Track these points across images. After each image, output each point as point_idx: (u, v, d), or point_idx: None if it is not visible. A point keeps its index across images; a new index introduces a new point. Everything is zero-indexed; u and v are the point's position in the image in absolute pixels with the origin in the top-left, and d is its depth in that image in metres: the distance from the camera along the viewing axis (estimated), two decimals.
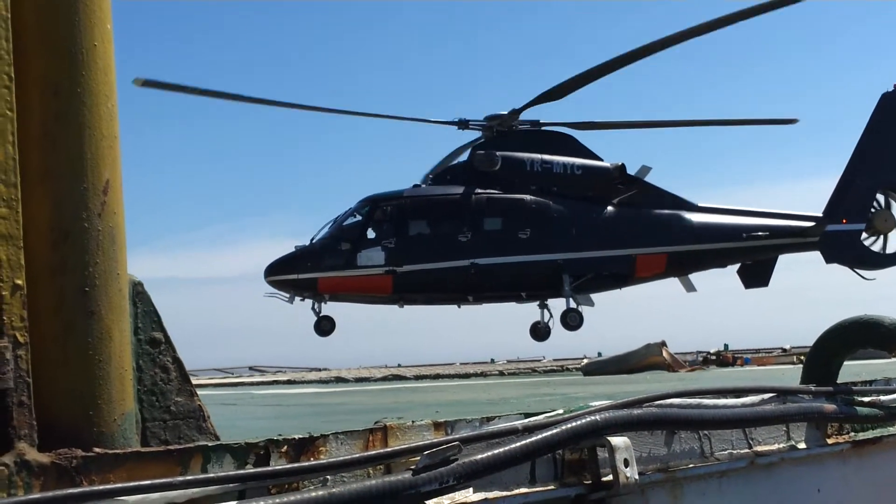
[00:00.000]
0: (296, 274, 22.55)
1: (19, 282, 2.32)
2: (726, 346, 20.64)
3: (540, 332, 24.42)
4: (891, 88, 24.26)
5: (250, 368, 22.05)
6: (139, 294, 2.67)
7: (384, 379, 14.26)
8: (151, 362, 2.67)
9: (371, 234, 23.18)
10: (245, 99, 22.89)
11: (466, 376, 15.00)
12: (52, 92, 2.49)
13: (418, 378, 14.40)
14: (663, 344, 14.54)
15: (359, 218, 23.27)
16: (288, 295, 23.01)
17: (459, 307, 24.27)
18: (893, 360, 7.94)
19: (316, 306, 23.10)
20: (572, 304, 23.47)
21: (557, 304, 23.91)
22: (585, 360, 15.96)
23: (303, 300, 22.99)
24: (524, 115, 23.90)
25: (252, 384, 14.05)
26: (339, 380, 14.24)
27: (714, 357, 17.01)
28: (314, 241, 23.19)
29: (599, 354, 20.03)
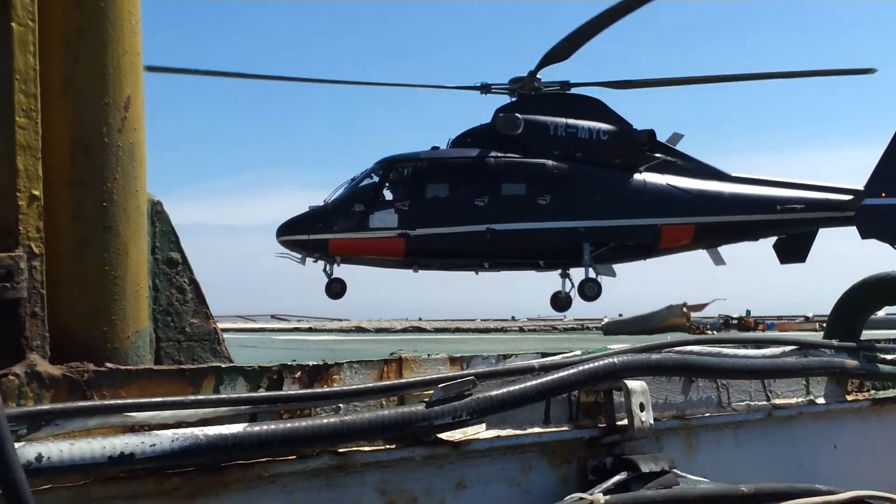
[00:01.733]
0: (307, 234, 22.32)
1: (36, 192, 2.30)
2: (748, 311, 20.46)
3: (561, 301, 24.10)
4: None
5: (272, 317, 22.14)
6: (158, 213, 2.65)
7: (404, 331, 14.29)
8: (168, 282, 2.66)
9: (385, 195, 22.85)
10: (254, 76, 22.70)
11: (486, 331, 15.01)
12: (75, 4, 2.46)
13: (438, 331, 14.43)
14: (685, 305, 14.47)
15: (374, 179, 22.98)
16: (299, 255, 22.81)
17: (477, 273, 23.89)
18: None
19: (328, 268, 22.94)
20: (591, 274, 23.01)
21: (579, 274, 23.56)
22: (606, 320, 15.92)
23: (315, 261, 22.82)
24: (553, 77, 23.41)
25: (273, 330, 14.13)
26: (360, 329, 14.29)
27: (736, 322, 16.92)
28: (328, 201, 22.94)
29: (620, 315, 19.97)
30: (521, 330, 15.76)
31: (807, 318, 19.46)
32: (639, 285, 25.51)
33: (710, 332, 14.72)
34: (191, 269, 2.69)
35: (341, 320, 19.19)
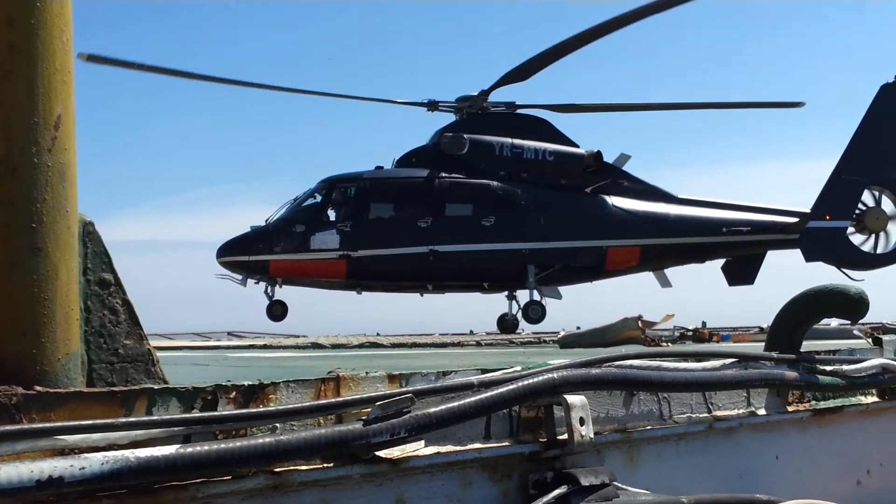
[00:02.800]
0: (247, 255, 21.81)
1: None
2: (704, 323, 20.59)
3: (507, 323, 23.83)
4: (891, 80, 23.11)
5: (228, 334, 21.91)
6: (90, 234, 2.63)
7: (360, 346, 14.20)
8: (100, 303, 2.63)
9: (327, 216, 22.32)
10: (196, 77, 22.39)
11: (443, 346, 14.95)
12: (6, 22, 2.44)
13: (395, 346, 14.36)
14: (640, 318, 14.54)
15: (317, 199, 22.51)
16: (240, 277, 22.47)
17: (422, 295, 23.66)
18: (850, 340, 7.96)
19: (269, 290, 22.50)
20: (535, 297, 22.63)
21: (525, 295, 23.36)
22: (562, 333, 15.95)
23: (256, 282, 22.50)
24: (499, 97, 23.11)
25: (227, 347, 13.99)
26: (316, 345, 14.18)
27: (691, 333, 17.00)
28: (270, 221, 22.59)
29: (578, 328, 20.01)
30: (479, 344, 15.73)
31: (761, 329, 19.60)
32: (598, 297, 25.50)
33: (665, 344, 14.80)
34: (124, 290, 2.67)
35: (298, 336, 19.06)
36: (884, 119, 22.93)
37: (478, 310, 24.78)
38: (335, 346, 14.09)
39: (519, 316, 23.67)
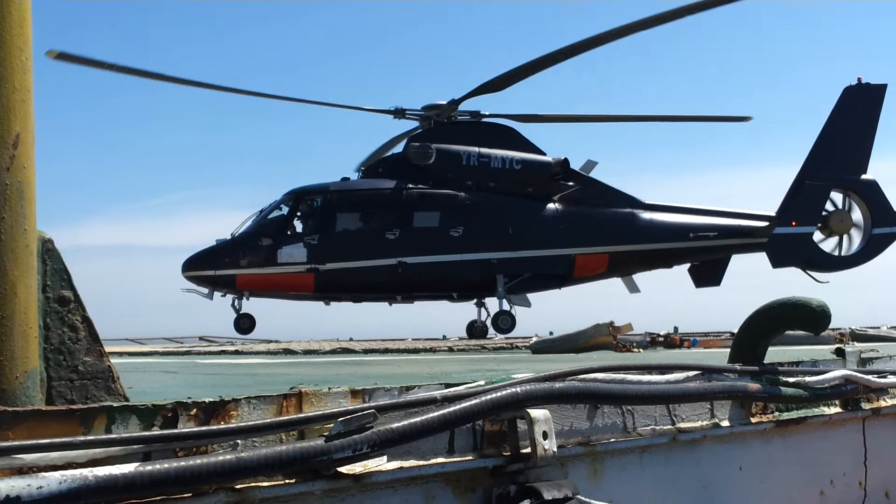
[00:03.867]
0: (213, 270, 21.66)
1: None
2: (676, 328, 20.71)
3: (477, 330, 23.83)
4: (854, 82, 23.38)
5: (200, 338, 21.82)
6: (48, 251, 2.62)
7: (332, 352, 14.21)
8: (60, 321, 2.63)
9: (294, 229, 22.21)
10: (166, 78, 22.21)
11: (416, 351, 14.98)
12: None
13: (367, 352, 14.37)
14: (611, 324, 14.61)
15: (282, 212, 22.35)
16: (206, 290, 22.30)
17: (390, 305, 23.60)
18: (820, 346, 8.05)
19: (236, 303, 22.28)
20: (505, 306, 22.55)
21: (494, 303, 23.36)
22: (534, 339, 16.00)
23: (223, 295, 22.34)
24: (465, 106, 23.22)
25: (199, 353, 13.95)
26: (288, 351, 14.17)
27: (662, 339, 17.10)
28: (236, 234, 22.28)
29: (551, 333, 20.07)
30: (451, 349, 15.77)
31: (731, 334, 19.75)
32: (570, 301, 25.52)
33: (636, 349, 14.88)
34: (83, 307, 2.66)
35: (270, 342, 19.02)
36: (847, 121, 23.10)
37: (450, 314, 24.73)
38: (307, 353, 14.08)
39: (488, 323, 23.69)
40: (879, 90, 23.47)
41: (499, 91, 22.28)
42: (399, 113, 23.40)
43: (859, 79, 23.58)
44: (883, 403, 5.09)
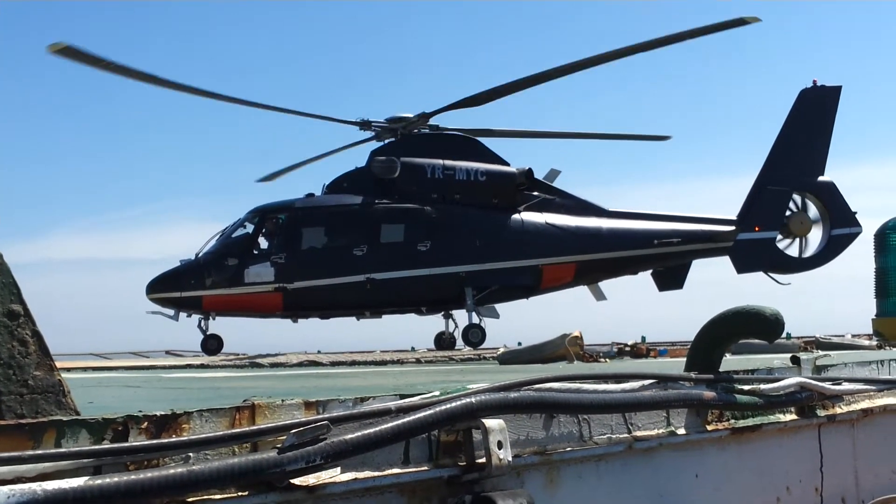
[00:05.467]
0: (179, 292, 21.45)
1: None
2: (643, 337, 20.79)
3: (444, 342, 23.77)
4: (810, 84, 23.53)
5: (167, 352, 21.67)
6: None
7: (299, 364, 14.15)
8: (9, 335, 2.62)
9: (259, 247, 22.03)
10: (165, 83, 21.98)
11: (383, 363, 14.95)
12: None
13: (334, 364, 14.33)
14: (579, 335, 14.67)
15: (247, 230, 22.17)
16: (172, 312, 22.00)
17: (358, 320, 23.52)
18: (782, 354, 8.12)
19: (202, 324, 21.98)
20: (475, 320, 22.47)
21: (462, 315, 23.38)
22: (502, 350, 16.04)
23: (189, 316, 22.16)
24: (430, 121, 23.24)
25: (164, 367, 13.85)
26: (254, 364, 14.10)
27: (629, 349, 17.19)
28: (200, 254, 22.05)
29: (519, 344, 20.10)
30: (419, 361, 15.76)
31: None
32: (539, 311, 25.57)
33: (603, 359, 14.94)
34: (33, 321, 2.66)
35: (238, 355, 18.93)
36: (804, 123, 23.25)
37: (419, 326, 24.67)
38: (274, 366, 14.02)
39: (456, 334, 23.69)
40: (835, 92, 23.77)
41: (478, 105, 22.37)
42: (365, 125, 23.33)
43: (815, 81, 23.86)
44: (838, 410, 5.16)
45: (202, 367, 13.93)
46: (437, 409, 3.15)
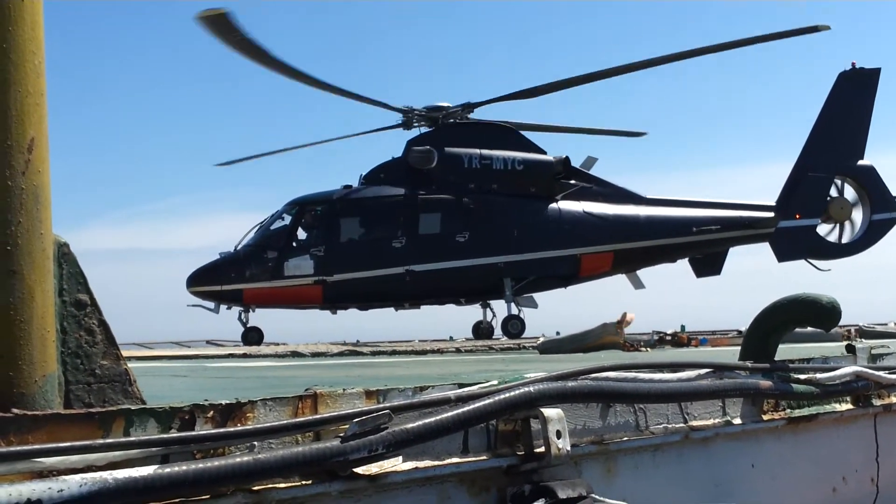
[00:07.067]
0: (219, 285, 21.62)
1: None
2: (683, 327, 20.66)
3: (482, 331, 23.72)
4: (848, 67, 23.31)
5: (208, 342, 21.85)
6: (65, 255, 2.64)
7: (340, 354, 14.22)
8: (76, 324, 2.64)
9: (298, 240, 22.10)
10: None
11: (423, 353, 15.00)
12: None
13: (375, 354, 14.39)
14: (620, 323, 14.60)
15: (285, 222, 22.24)
16: (212, 305, 22.11)
17: (397, 311, 23.54)
18: (828, 343, 8.04)
19: (243, 316, 22.15)
20: (514, 311, 22.50)
21: (500, 304, 23.32)
22: (542, 339, 16.01)
23: (229, 308, 22.26)
24: (454, 101, 23.11)
25: (207, 357, 13.98)
26: (296, 354, 14.19)
27: (670, 338, 17.09)
28: (239, 247, 22.15)
29: (558, 333, 20.06)
30: (458, 351, 15.78)
31: (739, 333, 19.72)
32: (577, 299, 25.48)
33: (643, 348, 14.88)
34: (100, 311, 2.68)
35: (278, 344, 19.06)
36: (842, 107, 22.98)
37: (456, 315, 24.68)
38: (315, 355, 14.11)
39: (494, 323, 23.67)
40: (874, 74, 23.44)
41: (524, 98, 22.28)
42: (408, 112, 23.24)
43: (853, 64, 23.54)
44: (894, 399, 5.10)
45: (244, 356, 14.04)
46: (497, 398, 3.14)
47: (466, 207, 22.31)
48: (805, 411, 4.51)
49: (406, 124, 23.34)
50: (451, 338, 23.97)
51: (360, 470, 2.85)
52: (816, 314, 4.33)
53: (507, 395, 3.18)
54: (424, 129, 23.46)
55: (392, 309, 23.37)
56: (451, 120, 23.05)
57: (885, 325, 16.66)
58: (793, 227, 22.81)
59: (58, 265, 2.59)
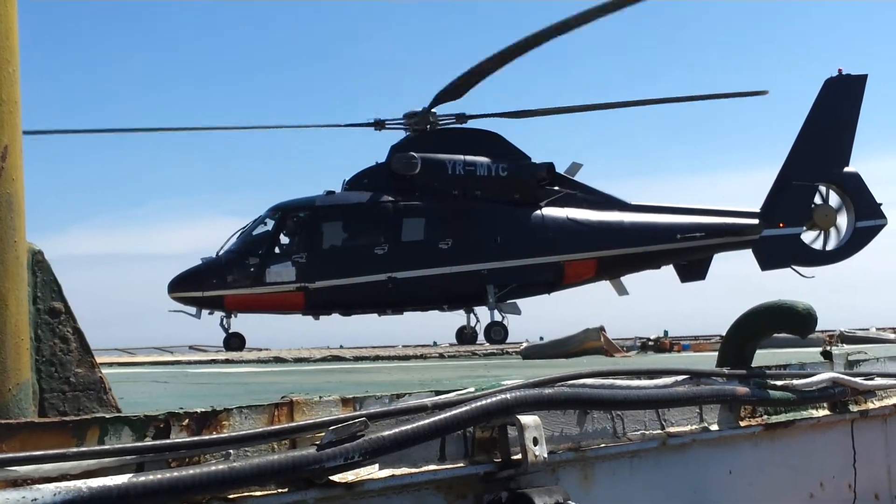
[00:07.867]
0: (201, 291, 21.56)
1: None
2: (666, 332, 20.70)
3: (466, 336, 23.68)
4: (835, 74, 23.41)
5: (190, 347, 21.78)
6: (39, 263, 2.63)
7: (323, 360, 14.20)
8: (50, 332, 2.63)
9: (280, 245, 22.07)
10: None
11: (406, 358, 14.98)
12: None
13: (357, 360, 14.36)
14: (602, 329, 14.63)
15: (267, 228, 22.16)
16: (194, 310, 22.04)
17: (380, 316, 23.48)
18: (807, 348, 8.08)
19: (224, 322, 22.11)
20: (497, 317, 22.49)
21: (483, 311, 23.28)
22: (525, 344, 16.03)
23: (211, 314, 22.19)
24: (449, 110, 22.75)
25: (189, 363, 13.92)
26: (278, 360, 14.14)
27: (652, 343, 17.14)
28: (221, 252, 22.05)
29: (541, 338, 20.07)
30: (442, 356, 15.77)
31: (721, 337, 19.72)
32: (560, 305, 25.52)
33: (626, 354, 14.90)
34: (74, 319, 2.67)
35: (260, 350, 19.01)
36: (828, 114, 23.01)
37: (439, 320, 24.68)
38: (297, 360, 14.06)
39: (478, 328, 23.65)
40: (860, 81, 23.50)
41: (457, 98, 22.04)
42: (379, 124, 23.12)
43: (840, 70, 23.61)
44: (871, 405, 5.13)
45: (227, 362, 13.99)
46: (473, 405, 3.15)
47: (450, 214, 22.25)
48: (782, 417, 4.54)
49: (378, 124, 23.22)
50: (434, 343, 23.94)
51: (336, 478, 2.85)
52: (792, 321, 4.36)
53: (484, 402, 3.19)
54: (407, 134, 23.43)
55: (376, 316, 23.33)
56: (427, 125, 22.97)
57: (867, 329, 16.75)
58: (776, 235, 22.86)
59: (32, 273, 2.59)
